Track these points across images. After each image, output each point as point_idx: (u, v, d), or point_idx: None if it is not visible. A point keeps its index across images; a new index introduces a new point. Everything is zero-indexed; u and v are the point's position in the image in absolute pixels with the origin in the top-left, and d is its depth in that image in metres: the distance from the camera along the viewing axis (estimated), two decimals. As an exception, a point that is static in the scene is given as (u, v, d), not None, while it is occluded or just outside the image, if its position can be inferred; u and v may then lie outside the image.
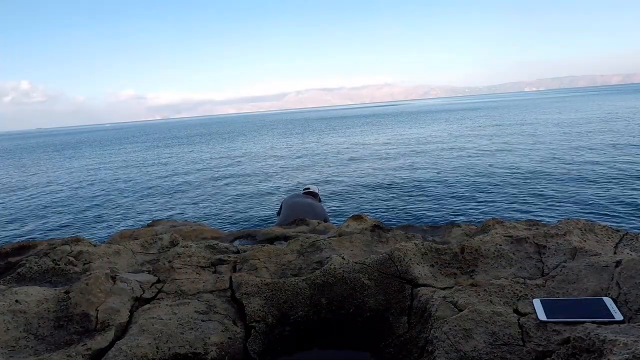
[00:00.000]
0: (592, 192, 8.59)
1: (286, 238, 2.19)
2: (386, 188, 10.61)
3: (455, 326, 1.21)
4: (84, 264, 1.83)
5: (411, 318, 1.47)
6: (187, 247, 1.94)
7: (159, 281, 1.68)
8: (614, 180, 9.36)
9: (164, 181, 14.73)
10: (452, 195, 9.34)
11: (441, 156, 15.34)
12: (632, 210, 7.27)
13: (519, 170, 11.44)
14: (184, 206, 10.31)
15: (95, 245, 2.14)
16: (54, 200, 12.59)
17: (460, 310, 1.28)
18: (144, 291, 1.58)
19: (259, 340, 1.44)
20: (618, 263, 1.36)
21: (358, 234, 2.03)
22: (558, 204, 7.99)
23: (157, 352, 1.26)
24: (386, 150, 18.50)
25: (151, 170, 18.13)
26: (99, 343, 1.28)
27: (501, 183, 10.07)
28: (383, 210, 8.63)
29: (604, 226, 1.79)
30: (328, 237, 2.00)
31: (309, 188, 4.77)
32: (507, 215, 7.41)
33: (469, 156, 14.82)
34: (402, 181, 11.26)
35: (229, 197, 11.04)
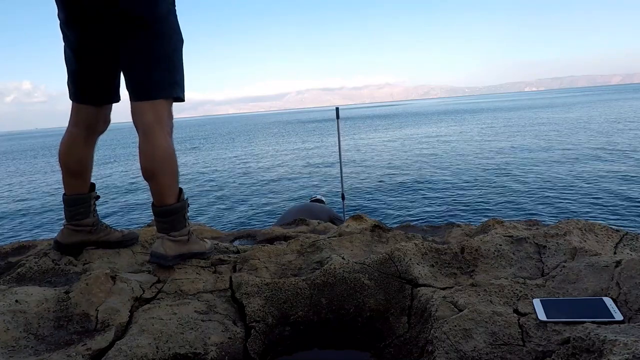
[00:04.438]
0: (592, 192, 8.59)
1: (286, 238, 2.19)
2: (386, 188, 10.61)
3: (455, 326, 1.21)
4: (84, 264, 1.83)
5: (411, 318, 1.47)
6: (187, 247, 1.94)
7: (159, 281, 1.68)
8: (614, 180, 9.36)
9: (164, 181, 14.69)
10: (452, 195, 9.34)
11: (441, 156, 15.34)
12: (632, 210, 7.27)
13: (519, 170, 11.44)
14: (184, 206, 10.30)
15: (95, 245, 2.14)
16: (54, 200, 12.59)
17: (460, 310, 1.28)
18: (144, 291, 1.58)
19: (259, 340, 1.44)
20: (618, 263, 1.36)
21: (358, 234, 2.03)
22: (558, 204, 7.99)
23: (157, 352, 1.26)
24: (386, 151, 18.49)
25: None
26: (99, 343, 1.28)
27: (501, 183, 10.07)
28: (383, 210, 8.64)
29: (604, 226, 1.78)
30: (328, 237, 2.00)
31: (316, 197, 5.06)
32: (507, 215, 7.41)
33: (469, 156, 14.82)
34: (402, 181, 11.26)
35: (229, 197, 11.04)
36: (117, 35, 1.63)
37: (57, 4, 1.66)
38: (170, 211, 1.73)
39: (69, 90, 1.81)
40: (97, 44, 1.68)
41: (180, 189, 1.78)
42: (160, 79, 1.67)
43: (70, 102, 1.83)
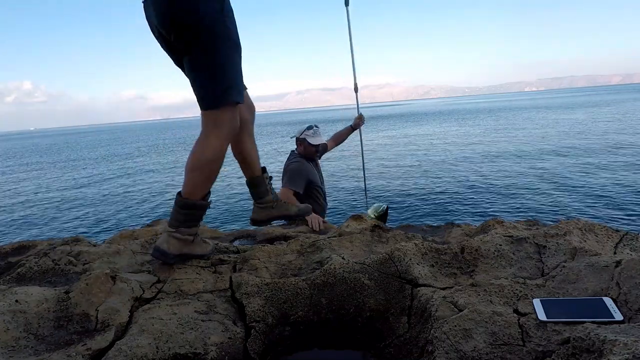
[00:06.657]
0: (592, 192, 8.59)
1: (286, 238, 2.19)
2: (386, 188, 10.61)
3: (455, 326, 1.21)
4: (84, 264, 1.83)
5: (411, 318, 1.47)
6: (187, 247, 1.93)
7: (159, 281, 1.68)
8: (615, 180, 9.36)
9: (164, 181, 14.74)
10: (452, 195, 9.34)
11: (441, 157, 15.33)
12: (632, 210, 7.26)
13: (519, 170, 11.44)
14: (184, 206, 10.29)
15: (95, 245, 2.14)
16: (54, 200, 12.60)
17: (460, 310, 1.28)
18: (144, 291, 1.58)
19: (259, 340, 1.44)
20: (618, 263, 1.36)
21: (358, 234, 2.03)
22: (558, 204, 7.99)
23: (157, 352, 1.26)
24: (386, 151, 18.50)
25: (150, 171, 18.13)
26: (99, 343, 1.28)
27: (501, 183, 10.07)
28: (383, 210, 8.62)
29: (604, 226, 1.79)
30: (328, 237, 2.00)
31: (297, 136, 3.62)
32: (507, 215, 7.41)
33: (469, 156, 14.82)
34: (402, 181, 11.27)
35: (229, 197, 11.04)
36: (181, 52, 1.76)
37: None
38: (192, 205, 1.83)
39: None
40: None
41: (209, 192, 1.88)
42: (213, 93, 1.76)
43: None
